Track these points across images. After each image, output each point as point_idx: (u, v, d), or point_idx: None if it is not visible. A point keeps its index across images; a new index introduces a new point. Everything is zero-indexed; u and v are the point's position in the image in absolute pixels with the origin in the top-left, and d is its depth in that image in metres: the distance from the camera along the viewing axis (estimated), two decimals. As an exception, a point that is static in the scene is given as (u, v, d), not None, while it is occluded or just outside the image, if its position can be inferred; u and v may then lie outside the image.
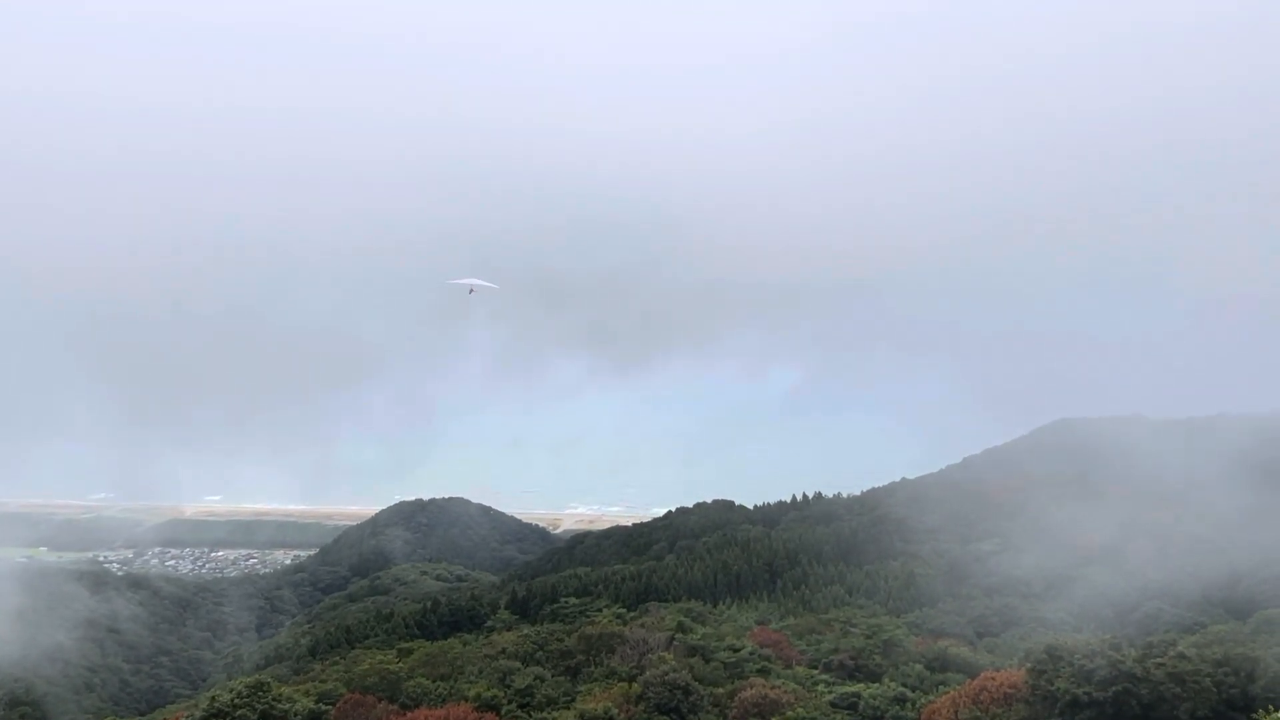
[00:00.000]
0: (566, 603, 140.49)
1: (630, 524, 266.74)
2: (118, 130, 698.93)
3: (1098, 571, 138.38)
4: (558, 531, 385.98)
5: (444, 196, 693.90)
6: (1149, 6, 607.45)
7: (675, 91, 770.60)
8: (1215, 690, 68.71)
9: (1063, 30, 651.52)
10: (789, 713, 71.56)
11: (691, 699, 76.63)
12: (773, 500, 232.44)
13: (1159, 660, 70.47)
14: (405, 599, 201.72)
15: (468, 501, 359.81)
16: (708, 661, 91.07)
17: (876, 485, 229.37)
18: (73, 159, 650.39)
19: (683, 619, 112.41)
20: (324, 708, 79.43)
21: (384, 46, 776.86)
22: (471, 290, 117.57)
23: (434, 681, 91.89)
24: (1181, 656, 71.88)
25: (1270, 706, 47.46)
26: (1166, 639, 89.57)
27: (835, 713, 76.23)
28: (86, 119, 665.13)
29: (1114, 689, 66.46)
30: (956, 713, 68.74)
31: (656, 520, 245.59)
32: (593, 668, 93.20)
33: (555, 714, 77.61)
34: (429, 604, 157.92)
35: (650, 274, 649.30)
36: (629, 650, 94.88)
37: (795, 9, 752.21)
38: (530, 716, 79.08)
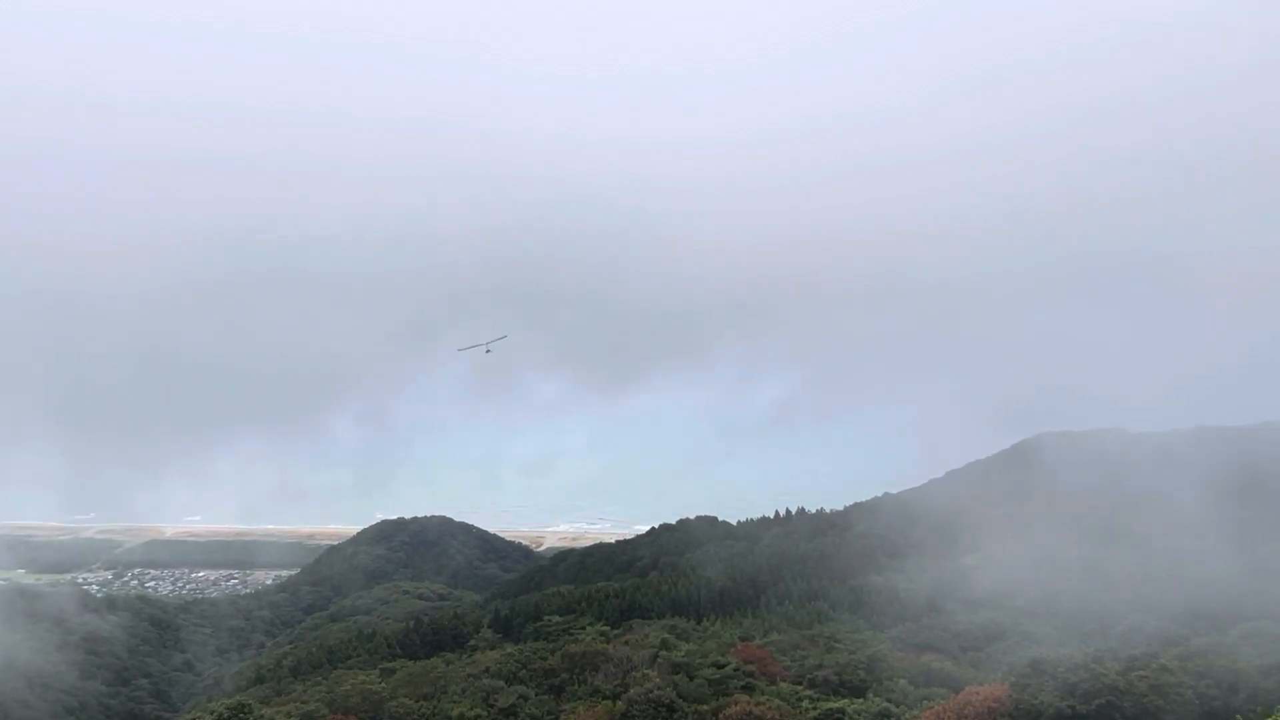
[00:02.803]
0: (550, 621, 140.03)
1: (614, 541, 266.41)
2: (104, 127, 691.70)
3: (1080, 585, 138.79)
4: (541, 549, 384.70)
5: (425, 201, 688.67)
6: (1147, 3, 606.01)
7: (663, 96, 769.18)
8: (1198, 702, 69.04)
9: (1054, 33, 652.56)
10: (774, 729, 71.44)
11: (676, 716, 76.44)
12: (756, 516, 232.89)
13: (1142, 673, 70.79)
14: (387, 618, 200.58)
15: (450, 520, 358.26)
16: (692, 679, 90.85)
17: (859, 500, 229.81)
18: (46, 156, 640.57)
19: (666, 636, 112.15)
20: (306, 729, 78.95)
21: (369, 45, 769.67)
22: (488, 350, 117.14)
23: (417, 701, 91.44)
24: (1164, 669, 72.25)
25: (1239, 717, 47.72)
26: (1149, 652, 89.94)
27: (820, 729, 76.26)
28: (66, 116, 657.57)
29: (1097, 702, 66.70)
30: (941, 727, 68.80)
31: (640, 537, 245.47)
32: (576, 686, 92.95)
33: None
34: (411, 623, 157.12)
35: (634, 285, 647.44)
36: (613, 668, 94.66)
37: (782, 12, 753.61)
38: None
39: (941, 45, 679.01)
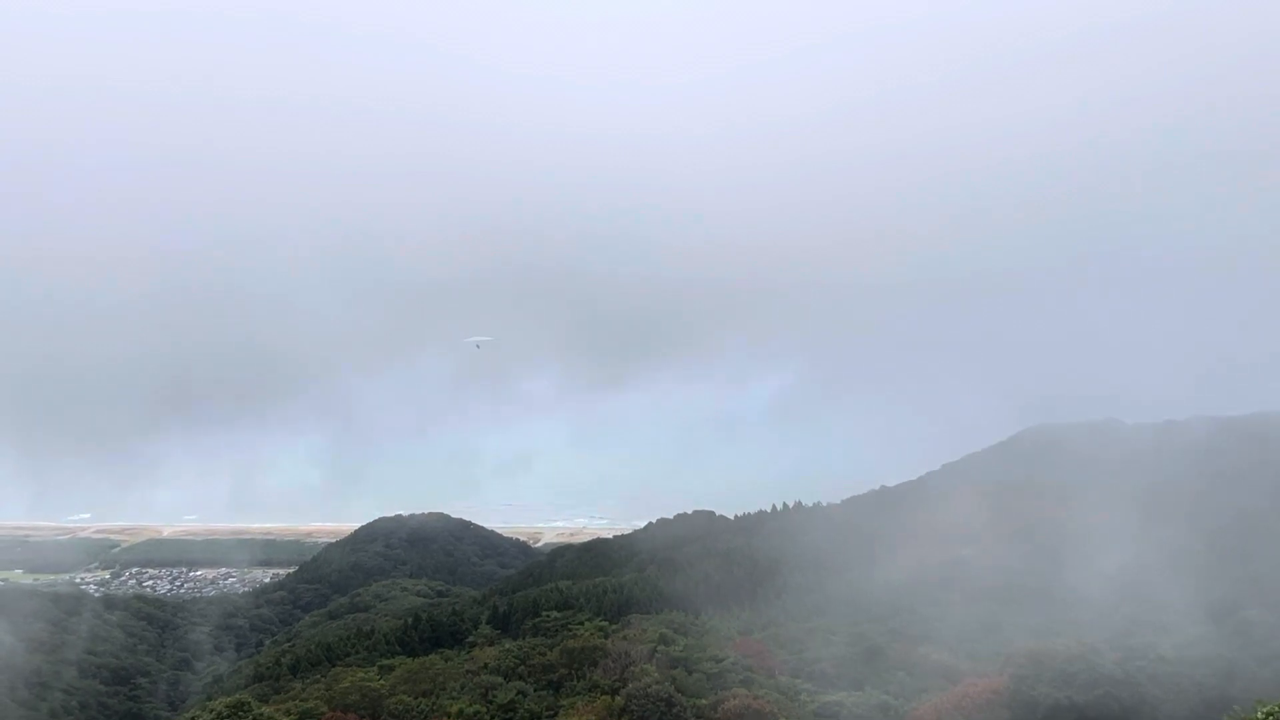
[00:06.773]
0: (548, 617, 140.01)
1: (611, 536, 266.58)
2: (100, 122, 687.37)
3: (1076, 575, 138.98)
4: (538, 545, 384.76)
5: (415, 195, 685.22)
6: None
7: (656, 93, 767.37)
8: (1195, 691, 69.35)
9: (1058, 28, 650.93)
10: (772, 722, 71.56)
11: (675, 711, 76.51)
12: (753, 510, 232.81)
13: (1139, 663, 71.03)
14: (386, 615, 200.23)
15: (447, 516, 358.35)
16: (690, 673, 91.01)
17: (856, 494, 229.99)
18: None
19: (665, 631, 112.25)
20: (305, 727, 78.96)
21: (360, 41, 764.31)
22: (478, 345, 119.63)
23: (416, 698, 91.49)
24: (1161, 659, 72.55)
25: (1237, 708, 47.87)
26: (1146, 642, 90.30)
27: (818, 721, 76.42)
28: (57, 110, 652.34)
29: (1096, 693, 66.96)
30: (940, 719, 68.97)
31: (637, 532, 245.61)
32: (575, 681, 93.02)
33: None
34: (410, 620, 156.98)
35: (631, 280, 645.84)
36: (611, 663, 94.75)
37: (780, 9, 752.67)
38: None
39: (946, 40, 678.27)
